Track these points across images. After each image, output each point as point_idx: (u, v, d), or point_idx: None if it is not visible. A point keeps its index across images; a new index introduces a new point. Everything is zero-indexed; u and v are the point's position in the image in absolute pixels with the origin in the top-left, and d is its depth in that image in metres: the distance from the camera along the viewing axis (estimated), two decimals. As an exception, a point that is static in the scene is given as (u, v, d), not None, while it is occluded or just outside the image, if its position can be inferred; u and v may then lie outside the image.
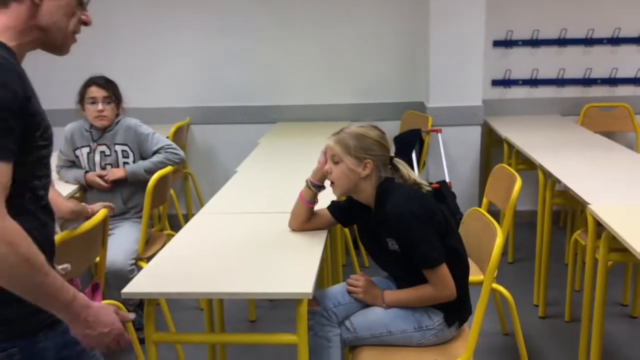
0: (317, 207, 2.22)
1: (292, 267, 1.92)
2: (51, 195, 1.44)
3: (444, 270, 1.93)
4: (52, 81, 4.09)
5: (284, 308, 3.26)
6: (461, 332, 2.08)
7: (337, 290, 2.15)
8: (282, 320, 3.13)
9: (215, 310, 2.45)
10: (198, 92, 4.55)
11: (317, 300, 2.06)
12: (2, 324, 1.28)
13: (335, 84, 4.50)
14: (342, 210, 2.20)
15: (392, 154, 2.09)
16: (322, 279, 2.58)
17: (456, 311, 2.02)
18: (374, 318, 2.04)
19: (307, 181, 2.19)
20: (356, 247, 3.75)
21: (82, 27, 1.43)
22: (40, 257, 1.17)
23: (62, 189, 2.78)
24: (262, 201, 2.63)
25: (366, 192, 2.04)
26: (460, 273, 2.00)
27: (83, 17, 1.40)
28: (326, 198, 2.22)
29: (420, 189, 2.03)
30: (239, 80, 4.50)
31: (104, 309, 1.32)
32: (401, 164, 2.07)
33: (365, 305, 2.10)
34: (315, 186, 2.17)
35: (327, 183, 2.15)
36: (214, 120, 4.58)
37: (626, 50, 4.33)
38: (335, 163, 2.03)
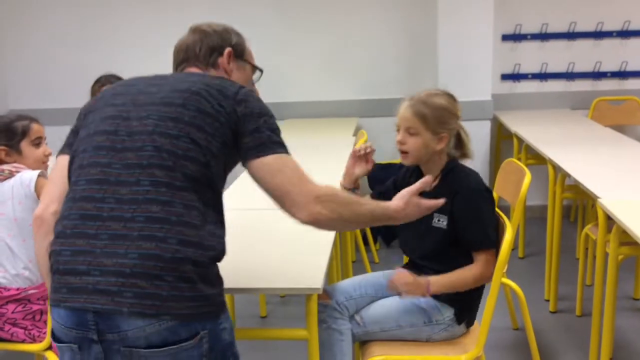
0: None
1: (301, 262, 1.93)
2: None
3: (493, 254, 1.93)
4: (58, 80, 4.13)
5: (295, 304, 3.27)
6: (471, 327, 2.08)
7: (348, 283, 2.15)
8: (293, 315, 3.15)
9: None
10: (207, 89, 4.56)
11: (329, 293, 2.06)
12: (200, 298, 1.33)
13: (343, 80, 4.50)
14: (387, 197, 2.17)
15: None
16: (332, 275, 2.58)
17: (468, 310, 2.02)
18: (384, 312, 2.04)
19: (340, 186, 2.17)
20: (366, 243, 3.75)
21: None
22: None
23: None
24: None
25: (435, 163, 2.03)
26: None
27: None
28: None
29: None
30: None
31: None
32: (464, 133, 2.07)
33: (375, 299, 2.10)
34: (349, 190, 2.15)
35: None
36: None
37: (636, 43, 4.29)
38: (411, 134, 1.99)
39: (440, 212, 1.96)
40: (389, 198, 2.14)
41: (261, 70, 1.73)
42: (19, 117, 2.27)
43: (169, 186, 1.34)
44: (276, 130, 1.55)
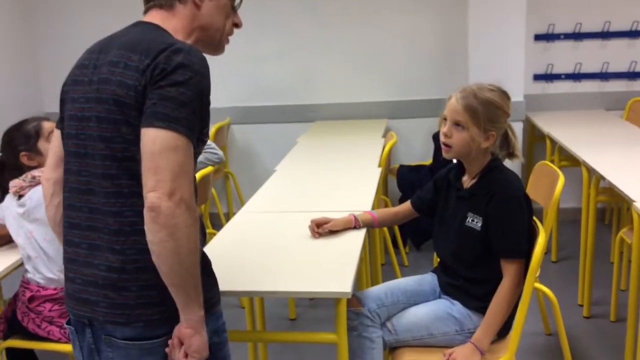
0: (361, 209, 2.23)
1: (331, 266, 1.93)
2: None
3: (522, 264, 1.89)
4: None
5: (324, 307, 3.27)
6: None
7: (381, 290, 2.13)
8: (322, 319, 3.15)
9: (257, 309, 2.48)
10: (238, 92, 4.60)
11: (360, 300, 2.05)
12: (170, 302, 1.33)
13: (373, 82, 4.48)
14: (425, 203, 2.16)
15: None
16: (362, 278, 2.58)
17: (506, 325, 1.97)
18: (415, 320, 2.02)
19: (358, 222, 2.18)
20: (395, 246, 3.74)
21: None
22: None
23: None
24: (302, 200, 2.64)
25: (478, 160, 1.96)
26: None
27: (235, 19, 1.53)
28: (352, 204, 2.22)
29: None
30: (277, 80, 4.53)
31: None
32: (512, 132, 2.01)
33: (407, 306, 2.08)
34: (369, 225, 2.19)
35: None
36: (254, 120, 4.62)
37: (673, 42, 4.20)
38: (458, 128, 1.91)
39: (475, 212, 1.93)
40: (431, 201, 2.16)
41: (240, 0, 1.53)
42: (27, 120, 2.30)
43: (118, 195, 1.33)
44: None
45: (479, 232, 1.92)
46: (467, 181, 2.02)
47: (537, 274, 1.97)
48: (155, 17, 1.43)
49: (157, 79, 1.28)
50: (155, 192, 1.22)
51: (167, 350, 1.36)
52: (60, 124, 1.46)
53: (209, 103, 1.36)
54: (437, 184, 2.14)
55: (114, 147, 1.31)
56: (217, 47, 1.53)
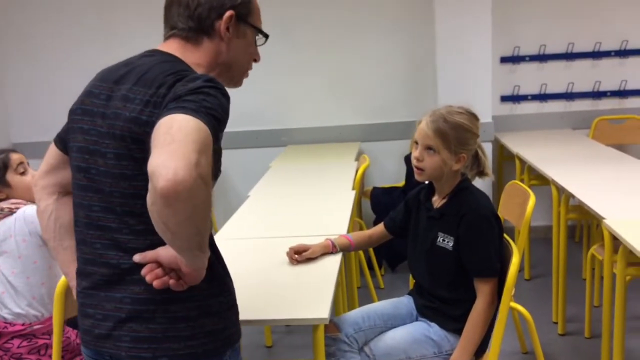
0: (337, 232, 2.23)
1: (307, 292, 1.91)
2: None
3: (496, 283, 1.90)
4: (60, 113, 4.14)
5: (300, 333, 3.24)
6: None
7: (357, 314, 2.12)
8: (299, 345, 3.12)
9: (232, 337, 2.44)
10: (208, 118, 4.57)
11: (337, 326, 2.04)
12: (205, 335, 1.30)
13: (345, 105, 4.52)
14: (400, 224, 2.17)
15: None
16: (338, 303, 2.56)
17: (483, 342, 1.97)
18: (393, 343, 2.01)
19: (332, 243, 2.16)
20: (370, 268, 3.73)
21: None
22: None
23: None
24: (276, 225, 2.63)
25: (449, 182, 1.98)
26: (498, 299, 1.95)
27: (255, 55, 1.48)
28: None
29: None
30: (250, 105, 4.53)
31: None
32: (482, 151, 2.03)
33: (384, 330, 2.07)
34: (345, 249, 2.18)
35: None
36: (226, 145, 4.56)
37: (635, 62, 4.31)
38: (429, 152, 1.94)
39: (446, 232, 1.95)
40: (402, 222, 2.17)
41: (266, 36, 1.47)
42: None
43: (146, 233, 1.26)
44: None
45: (451, 252, 1.94)
46: (437, 201, 2.04)
47: (512, 293, 1.97)
48: (176, 48, 1.37)
49: (175, 97, 1.18)
50: (167, 167, 1.03)
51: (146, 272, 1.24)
52: (61, 144, 1.43)
53: (224, 126, 1.23)
54: (408, 205, 2.15)
55: (137, 184, 1.25)
56: (237, 82, 1.49)
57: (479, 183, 4.20)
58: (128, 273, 1.29)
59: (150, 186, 1.05)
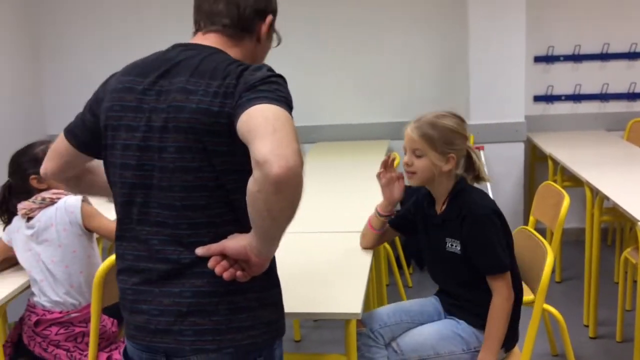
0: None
1: (339, 287, 1.93)
2: None
3: (509, 276, 1.90)
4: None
5: (328, 328, 3.26)
6: (511, 353, 2.05)
7: (384, 311, 2.14)
8: (327, 340, 3.13)
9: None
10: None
11: (363, 321, 2.05)
12: (263, 325, 1.33)
13: (374, 103, 4.52)
14: (404, 222, 2.19)
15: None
16: (367, 299, 2.57)
17: (512, 334, 1.97)
18: (420, 340, 2.01)
19: (375, 211, 2.17)
20: (399, 266, 3.73)
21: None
22: None
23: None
24: (305, 221, 2.63)
25: (442, 185, 1.99)
26: (516, 294, 1.95)
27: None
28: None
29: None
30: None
31: None
32: (476, 155, 2.04)
33: (411, 327, 2.08)
34: (384, 216, 2.17)
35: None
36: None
37: (672, 63, 4.24)
38: (417, 156, 1.98)
39: (452, 237, 1.96)
40: (405, 217, 2.17)
41: (280, 40, 1.51)
42: (34, 144, 2.30)
43: (208, 226, 1.28)
44: None
45: (460, 256, 1.95)
46: (438, 207, 2.05)
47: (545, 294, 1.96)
48: (217, 42, 1.38)
49: (248, 87, 1.21)
50: (278, 154, 1.07)
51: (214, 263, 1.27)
52: (105, 152, 1.38)
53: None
54: (414, 206, 2.16)
55: (203, 176, 1.25)
56: None
57: (510, 183, 4.16)
58: (189, 267, 1.29)
59: (258, 174, 1.08)
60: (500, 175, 4.05)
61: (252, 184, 1.10)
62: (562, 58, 4.30)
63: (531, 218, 2.76)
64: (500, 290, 1.89)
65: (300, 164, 1.09)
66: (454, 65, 4.36)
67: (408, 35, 4.39)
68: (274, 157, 1.06)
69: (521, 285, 2.02)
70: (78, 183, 1.59)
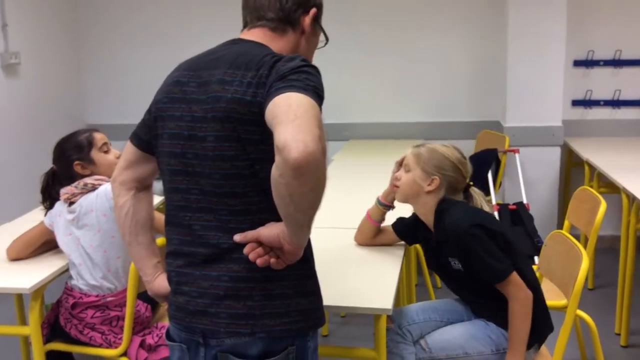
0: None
1: (370, 282, 1.94)
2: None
3: (515, 278, 1.89)
4: (135, 96, 4.29)
5: (356, 324, 3.27)
6: (541, 356, 2.04)
7: (412, 308, 2.15)
8: (355, 336, 3.15)
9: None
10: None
11: (390, 317, 2.06)
12: (299, 313, 1.36)
13: (408, 103, 4.51)
14: (407, 228, 2.21)
15: (470, 182, 2.09)
16: (398, 297, 2.58)
17: (534, 332, 1.96)
18: (450, 338, 2.02)
19: (377, 200, 2.21)
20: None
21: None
22: None
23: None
24: (337, 217, 2.66)
25: (426, 207, 2.04)
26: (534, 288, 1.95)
27: (312, 56, 1.55)
28: (393, 216, 2.24)
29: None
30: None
31: None
32: (476, 193, 2.07)
33: (440, 325, 2.09)
34: (384, 206, 2.20)
35: (396, 203, 2.18)
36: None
37: None
38: (407, 171, 2.06)
39: (451, 256, 1.98)
40: (409, 229, 2.19)
41: (327, 39, 1.53)
42: (78, 132, 2.36)
43: (246, 213, 1.33)
44: None
45: (464, 273, 1.97)
46: (431, 230, 2.08)
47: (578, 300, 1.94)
48: (262, 36, 1.43)
49: (279, 77, 1.24)
50: (298, 140, 1.09)
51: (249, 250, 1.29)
52: (155, 141, 1.44)
53: (322, 103, 1.27)
54: (416, 222, 2.16)
55: (239, 164, 1.30)
56: None
57: (545, 188, 4.10)
58: (227, 252, 1.34)
59: (278, 159, 1.11)
60: (535, 179, 4.01)
61: (274, 170, 1.13)
62: (602, 63, 4.24)
63: (566, 222, 2.74)
64: (512, 295, 1.90)
65: (321, 150, 1.11)
66: (491, 67, 4.32)
67: (445, 36, 4.37)
68: (293, 142, 1.09)
69: (536, 278, 2.01)
70: (144, 197, 1.56)
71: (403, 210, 2.24)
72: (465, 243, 1.90)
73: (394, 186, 2.10)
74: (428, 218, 2.06)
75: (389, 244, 2.25)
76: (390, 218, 2.24)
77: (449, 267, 2.01)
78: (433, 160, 2.01)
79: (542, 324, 1.99)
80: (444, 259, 2.01)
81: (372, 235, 2.23)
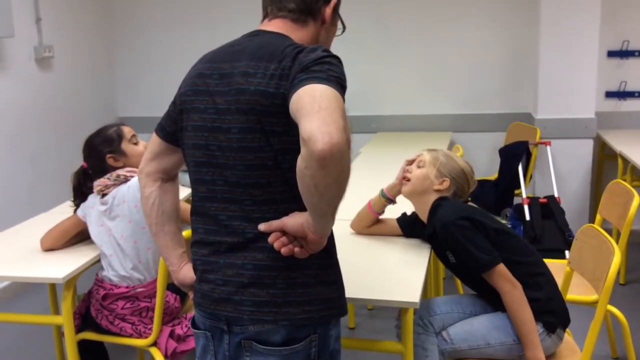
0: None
1: (397, 275, 1.94)
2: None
3: (501, 269, 1.90)
4: (166, 89, 4.33)
5: (382, 317, 3.27)
6: (570, 351, 2.01)
7: (435, 300, 2.16)
8: (380, 329, 3.15)
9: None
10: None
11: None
12: (321, 302, 1.39)
13: (437, 95, 4.47)
14: (412, 224, 2.25)
15: (469, 198, 2.17)
16: (425, 290, 2.57)
17: (553, 315, 1.95)
18: (471, 329, 2.02)
19: (381, 191, 2.25)
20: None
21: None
22: None
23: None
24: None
25: (426, 205, 2.09)
26: (543, 274, 1.96)
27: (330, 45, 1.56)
28: (391, 212, 2.26)
29: None
30: (343, 91, 4.56)
31: None
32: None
33: (462, 317, 2.08)
34: (387, 198, 2.24)
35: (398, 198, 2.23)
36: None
37: None
38: (419, 167, 2.12)
39: (446, 249, 2.02)
40: (412, 224, 2.22)
41: (345, 28, 1.54)
42: (105, 127, 2.40)
43: (270, 202, 1.34)
44: None
45: (458, 264, 2.00)
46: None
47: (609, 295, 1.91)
48: (283, 27, 1.43)
49: (302, 68, 1.25)
50: (323, 131, 1.10)
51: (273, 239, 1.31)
52: (180, 133, 1.45)
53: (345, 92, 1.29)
54: (417, 218, 2.21)
55: (263, 155, 1.31)
56: None
57: (577, 180, 4.02)
58: (252, 241, 1.36)
59: (304, 151, 1.12)
60: (567, 172, 3.95)
61: (299, 161, 1.14)
62: (637, 53, 4.14)
63: (598, 216, 2.69)
64: (498, 287, 1.91)
65: (345, 140, 1.12)
66: (521, 58, 4.26)
67: (476, 28, 4.32)
68: (319, 134, 1.10)
69: (543, 264, 2.02)
70: (170, 188, 1.59)
71: (402, 208, 2.27)
72: (451, 233, 1.94)
73: (403, 178, 2.14)
74: (423, 213, 2.12)
75: (386, 234, 2.29)
76: (389, 213, 2.28)
77: (448, 261, 2.05)
78: (449, 165, 2.10)
79: (559, 307, 1.96)
80: (443, 253, 2.06)
81: (368, 225, 2.29)
